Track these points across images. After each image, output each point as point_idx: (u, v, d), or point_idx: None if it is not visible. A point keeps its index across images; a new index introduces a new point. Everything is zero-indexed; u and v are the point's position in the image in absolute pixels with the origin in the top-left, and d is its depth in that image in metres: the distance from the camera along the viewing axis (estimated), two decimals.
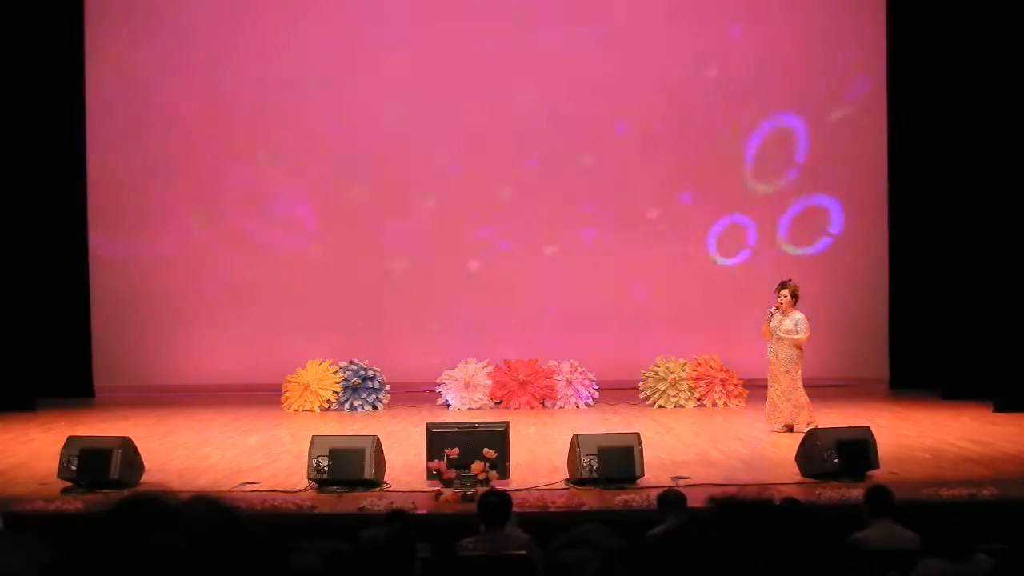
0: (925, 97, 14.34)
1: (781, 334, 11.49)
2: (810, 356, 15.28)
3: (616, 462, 8.71)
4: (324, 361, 14.11)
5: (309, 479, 8.78)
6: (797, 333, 11.48)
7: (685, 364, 13.94)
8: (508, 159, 15.38)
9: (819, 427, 9.50)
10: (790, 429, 11.42)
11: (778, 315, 11.56)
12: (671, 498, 6.88)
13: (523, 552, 6.13)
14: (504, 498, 6.57)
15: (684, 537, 1.42)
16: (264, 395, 14.23)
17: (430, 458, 8.71)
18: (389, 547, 5.10)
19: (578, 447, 8.81)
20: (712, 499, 1.47)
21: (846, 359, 15.21)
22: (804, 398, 11.52)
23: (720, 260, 15.18)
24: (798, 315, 11.55)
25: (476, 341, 14.84)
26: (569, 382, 14.00)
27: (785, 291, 11.57)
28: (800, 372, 11.55)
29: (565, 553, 2.00)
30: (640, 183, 15.34)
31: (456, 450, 8.55)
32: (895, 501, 6.73)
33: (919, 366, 14.59)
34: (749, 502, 1.42)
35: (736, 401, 13.74)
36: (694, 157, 15.31)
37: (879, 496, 6.61)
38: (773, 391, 11.68)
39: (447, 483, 8.40)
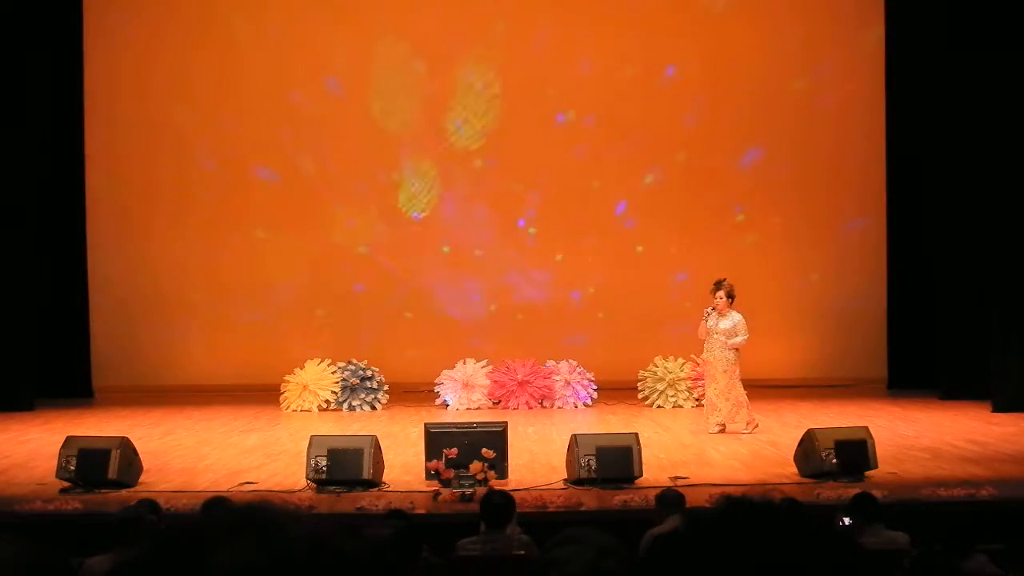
0: (925, 96, 14.34)
1: (717, 336, 11.47)
2: (809, 356, 15.37)
3: (614, 462, 8.71)
4: (323, 361, 14.11)
5: (307, 479, 8.78)
6: (736, 335, 11.46)
7: (684, 364, 13.95)
8: (506, 160, 15.38)
9: (817, 428, 9.47)
10: (723, 429, 11.43)
11: (714, 315, 11.55)
12: (670, 498, 6.88)
13: (523, 552, 6.13)
14: (508, 499, 6.57)
15: (691, 537, 1.42)
16: (263, 395, 14.22)
17: (428, 458, 8.71)
18: (396, 545, 5.10)
19: (576, 447, 8.81)
20: (721, 498, 1.47)
21: (845, 359, 15.22)
22: (743, 396, 11.50)
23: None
24: (736, 316, 11.53)
25: (474, 341, 14.84)
26: (567, 382, 14.00)
27: (720, 292, 11.56)
28: (738, 370, 11.54)
29: (556, 551, 2.00)
30: (640, 183, 15.35)
31: (455, 450, 8.56)
32: (882, 504, 6.74)
33: (918, 366, 14.59)
34: (760, 503, 1.43)
35: None
36: (693, 157, 15.33)
37: (866, 503, 6.61)
38: (711, 391, 11.68)
39: (445, 483, 8.40)
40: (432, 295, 15.32)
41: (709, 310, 11.59)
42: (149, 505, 6.58)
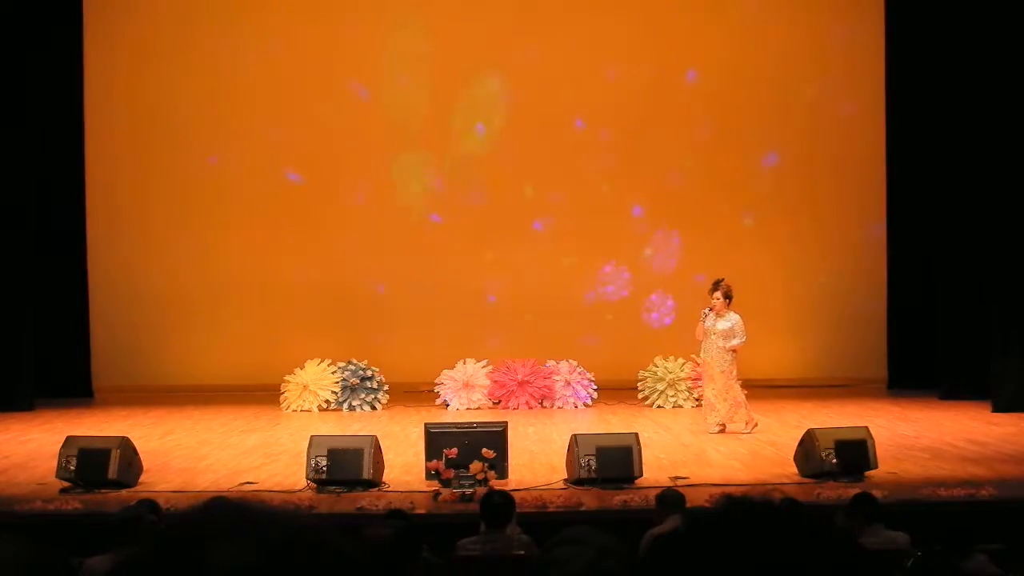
0: (925, 96, 14.34)
1: (715, 337, 11.46)
2: (809, 356, 15.36)
3: (614, 462, 8.71)
4: (323, 361, 14.10)
5: (308, 479, 8.78)
6: (734, 336, 11.45)
7: (684, 364, 13.94)
8: (505, 159, 15.38)
9: (817, 428, 9.47)
10: (723, 429, 11.43)
11: (712, 316, 11.55)
12: (670, 498, 6.88)
13: (523, 552, 6.13)
14: (508, 499, 6.57)
15: (691, 537, 1.42)
16: (263, 395, 14.22)
17: (428, 458, 8.70)
18: (396, 545, 5.10)
19: (576, 447, 8.81)
20: (721, 497, 1.47)
21: (845, 359, 15.22)
22: (741, 396, 11.51)
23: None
24: (734, 316, 11.51)
25: (475, 341, 14.83)
26: (568, 382, 14.00)
27: (718, 292, 11.54)
28: (735, 370, 11.54)
29: (556, 551, 2.00)
30: (641, 182, 15.35)
31: (455, 450, 8.55)
32: (882, 504, 6.73)
33: (918, 366, 14.59)
34: (760, 503, 1.43)
35: None
36: (691, 155, 15.34)
37: (865, 503, 6.61)
38: (709, 391, 11.69)
39: (445, 483, 8.40)
40: (433, 295, 15.31)
41: (707, 310, 11.59)
42: (149, 505, 6.58)
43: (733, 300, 11.61)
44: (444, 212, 15.44)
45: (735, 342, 11.46)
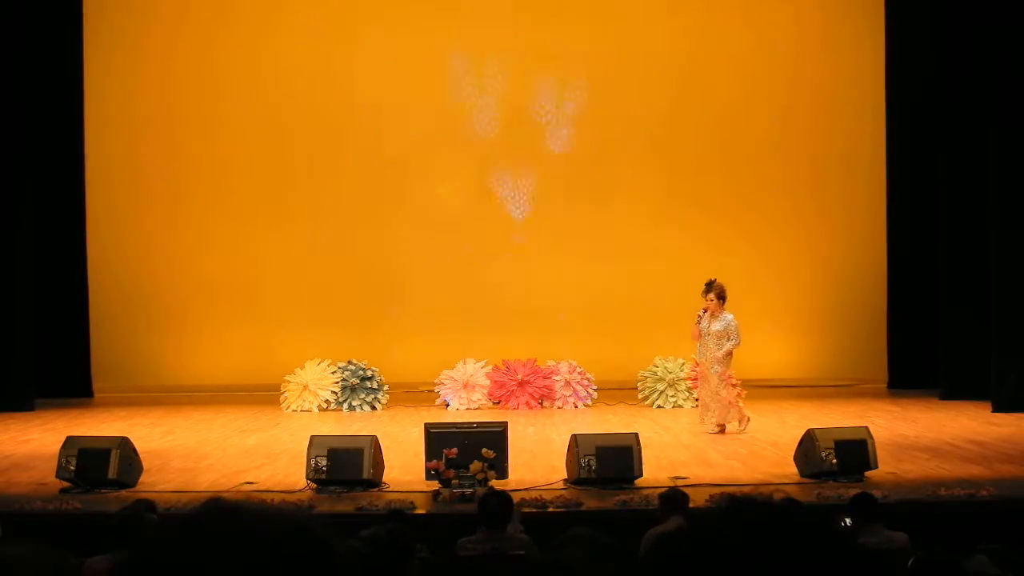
0: (925, 96, 14.34)
1: (709, 338, 11.45)
2: (809, 356, 15.37)
3: (614, 462, 8.71)
4: (323, 361, 14.11)
5: (307, 479, 8.78)
6: (728, 338, 11.44)
7: (684, 364, 13.94)
8: (506, 158, 15.37)
9: (817, 428, 9.45)
10: (722, 429, 11.43)
11: (707, 317, 11.53)
12: (674, 497, 6.88)
13: (522, 552, 6.13)
14: (505, 499, 6.56)
15: (692, 537, 1.42)
16: (263, 395, 14.22)
17: (428, 458, 8.70)
18: (388, 546, 5.10)
19: (576, 447, 8.81)
20: (722, 497, 1.47)
21: (845, 359, 15.21)
22: (732, 396, 11.49)
23: None
24: (728, 317, 11.50)
25: (475, 341, 14.83)
26: (567, 382, 14.00)
27: (711, 294, 11.52)
28: (729, 370, 11.53)
29: (558, 551, 2.01)
30: (641, 181, 15.35)
31: (454, 450, 8.55)
32: (881, 504, 6.73)
33: (918, 366, 14.59)
34: (760, 502, 1.43)
35: None
36: (692, 154, 15.33)
37: (865, 503, 6.62)
38: (703, 392, 11.69)
39: (445, 483, 8.40)
40: (432, 295, 15.30)
41: (702, 312, 11.59)
42: (146, 505, 6.58)
43: (727, 300, 11.58)
44: (444, 211, 15.42)
45: (729, 345, 11.44)
